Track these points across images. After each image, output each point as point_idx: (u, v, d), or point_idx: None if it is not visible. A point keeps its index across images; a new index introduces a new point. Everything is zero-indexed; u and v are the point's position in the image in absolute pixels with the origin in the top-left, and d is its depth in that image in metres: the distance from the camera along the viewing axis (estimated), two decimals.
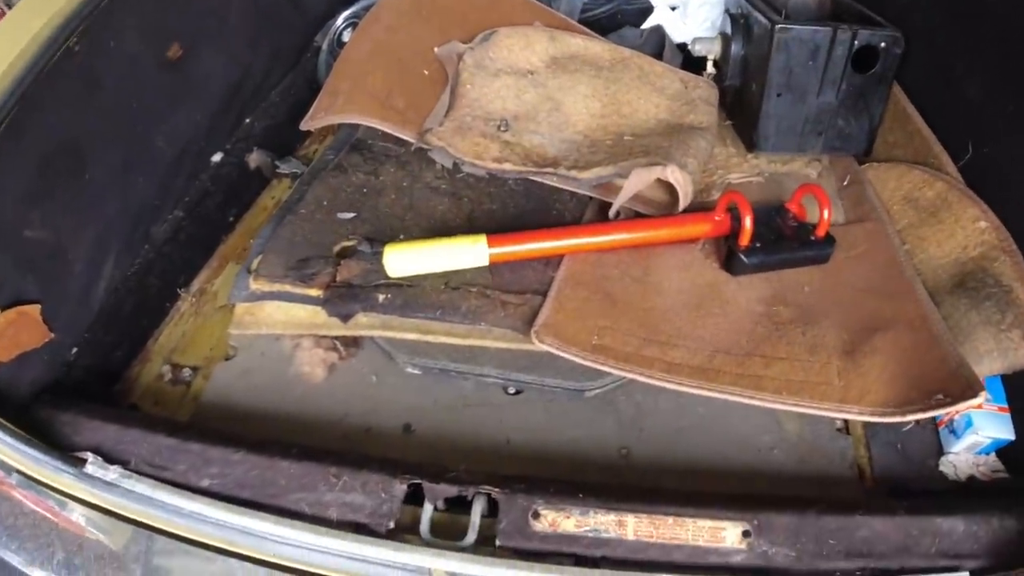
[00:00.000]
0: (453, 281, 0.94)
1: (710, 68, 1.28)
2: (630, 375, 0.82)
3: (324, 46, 1.45)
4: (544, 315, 0.88)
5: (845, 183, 1.16)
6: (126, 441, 0.79)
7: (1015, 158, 0.99)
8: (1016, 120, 0.99)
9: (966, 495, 0.80)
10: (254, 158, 1.31)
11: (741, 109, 1.24)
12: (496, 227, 0.99)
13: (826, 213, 0.94)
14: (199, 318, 1.10)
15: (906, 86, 1.22)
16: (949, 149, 1.11)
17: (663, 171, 0.96)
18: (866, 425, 0.87)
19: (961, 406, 0.73)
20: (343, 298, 0.93)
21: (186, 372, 1.02)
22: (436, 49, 1.22)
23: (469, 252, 0.92)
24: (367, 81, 1.19)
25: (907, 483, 0.83)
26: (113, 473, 0.74)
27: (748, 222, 0.92)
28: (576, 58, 1.25)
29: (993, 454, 0.85)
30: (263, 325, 0.98)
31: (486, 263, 0.93)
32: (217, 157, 1.25)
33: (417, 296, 0.93)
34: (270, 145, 1.35)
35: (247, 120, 1.34)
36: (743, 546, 0.67)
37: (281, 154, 1.38)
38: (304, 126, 1.20)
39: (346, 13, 1.46)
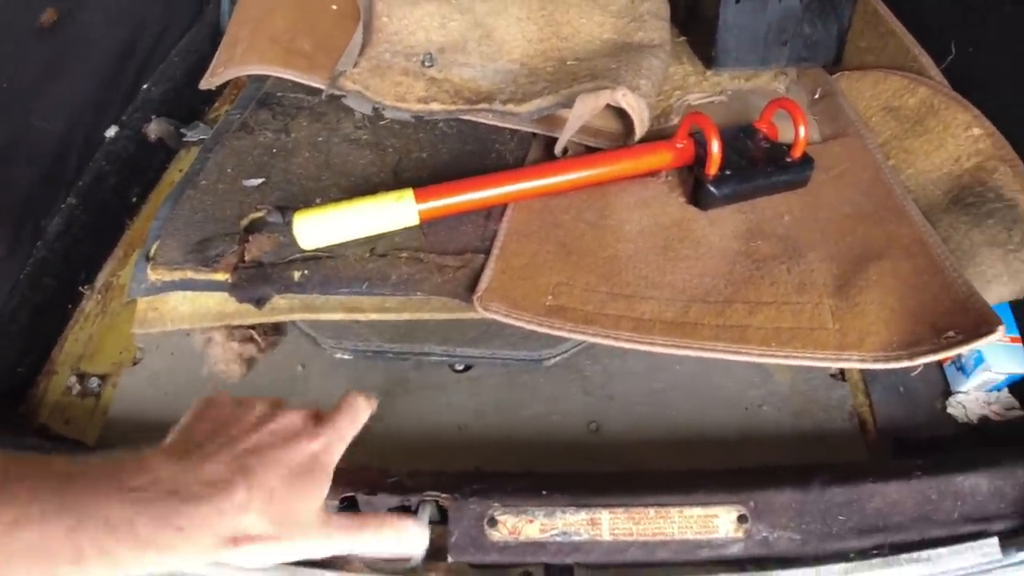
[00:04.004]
0: (380, 247, 0.80)
1: None
2: (593, 339, 0.70)
3: None
4: (487, 277, 0.75)
5: (816, 96, 1.04)
6: None
7: (1006, 56, 0.87)
8: (1006, 11, 0.87)
9: (982, 442, 0.71)
10: (153, 128, 1.15)
11: (696, 22, 1.10)
12: (427, 178, 0.85)
13: (802, 130, 0.82)
14: (106, 317, 0.96)
15: None
16: (929, 50, 0.99)
17: (612, 95, 0.82)
18: (864, 369, 0.77)
19: (977, 344, 0.62)
20: (253, 280, 0.79)
21: (93, 382, 0.89)
22: None
23: (394, 210, 0.78)
24: (267, 24, 1.04)
25: (913, 431, 0.73)
26: None
27: (715, 147, 0.79)
28: None
29: (1006, 390, 0.76)
30: (168, 321, 0.83)
31: (416, 221, 0.79)
32: (111, 131, 1.11)
33: (339, 269, 0.78)
34: (174, 111, 1.19)
35: (144, 86, 1.19)
36: (739, 534, 0.56)
37: (188, 120, 1.22)
38: (204, 85, 1.05)
39: None
